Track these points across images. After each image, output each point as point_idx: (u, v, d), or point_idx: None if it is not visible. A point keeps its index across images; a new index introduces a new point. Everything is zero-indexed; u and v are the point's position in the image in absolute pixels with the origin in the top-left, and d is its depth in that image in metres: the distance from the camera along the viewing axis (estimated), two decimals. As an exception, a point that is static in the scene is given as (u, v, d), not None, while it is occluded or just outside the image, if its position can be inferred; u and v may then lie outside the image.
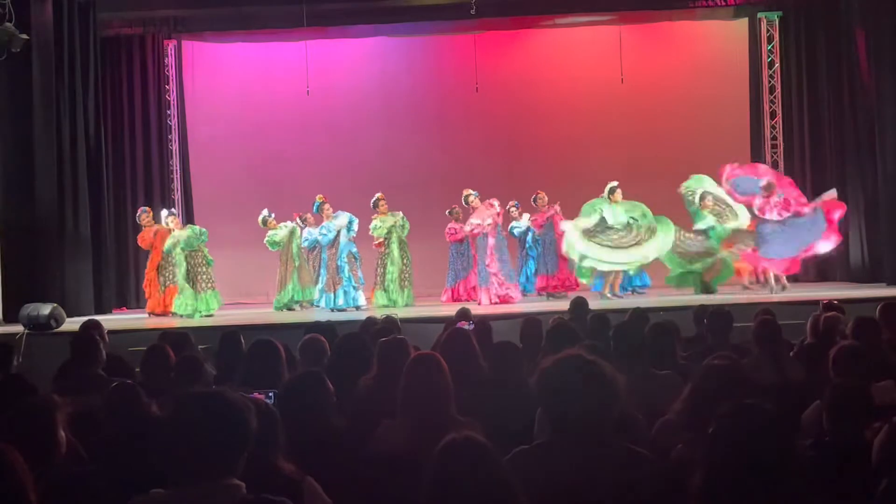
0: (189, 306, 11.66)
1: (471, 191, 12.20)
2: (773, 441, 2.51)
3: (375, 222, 12.19)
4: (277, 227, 12.29)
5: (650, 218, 11.76)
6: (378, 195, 12.28)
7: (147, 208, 13.03)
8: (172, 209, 13.42)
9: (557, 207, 12.37)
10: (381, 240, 12.21)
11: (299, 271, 12.32)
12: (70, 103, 12.46)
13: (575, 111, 14.72)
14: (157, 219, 12.71)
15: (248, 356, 4.82)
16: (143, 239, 12.64)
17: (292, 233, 12.30)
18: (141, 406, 3.82)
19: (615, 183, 11.91)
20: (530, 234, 12.68)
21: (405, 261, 12.24)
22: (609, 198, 11.85)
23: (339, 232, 11.79)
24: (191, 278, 11.78)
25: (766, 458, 2.47)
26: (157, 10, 14.25)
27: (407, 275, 12.25)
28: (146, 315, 12.39)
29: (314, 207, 12.09)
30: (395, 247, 12.19)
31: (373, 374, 4.44)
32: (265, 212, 12.41)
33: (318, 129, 14.66)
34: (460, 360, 4.46)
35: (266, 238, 12.28)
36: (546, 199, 12.48)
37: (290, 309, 12.31)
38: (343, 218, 11.81)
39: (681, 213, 12.50)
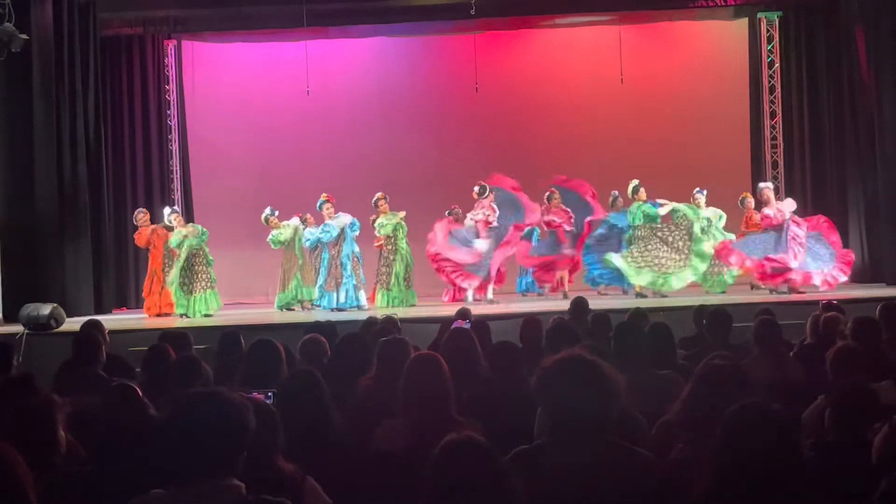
0: (181, 306, 11.65)
1: (486, 185, 12.18)
2: (781, 441, 2.51)
3: (381, 220, 12.16)
4: (280, 226, 12.28)
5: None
6: (378, 194, 12.28)
7: (144, 209, 13.01)
8: (175, 207, 13.41)
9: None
10: (383, 238, 12.19)
11: (303, 270, 12.32)
12: (70, 103, 12.46)
13: (575, 111, 14.72)
14: (157, 218, 12.69)
15: (247, 356, 4.82)
16: (140, 237, 12.60)
17: (296, 231, 12.30)
18: (139, 406, 3.82)
19: (637, 182, 11.91)
20: (535, 231, 12.65)
21: (410, 259, 12.25)
22: (633, 198, 11.86)
23: (342, 230, 11.77)
24: (190, 278, 11.77)
25: (774, 458, 2.47)
26: (157, 10, 14.24)
27: (411, 274, 12.26)
28: (145, 315, 12.38)
29: (318, 205, 12.05)
30: (403, 244, 12.20)
31: (372, 374, 4.44)
32: (268, 210, 12.40)
33: (318, 129, 14.65)
34: (461, 360, 4.47)
35: (270, 237, 12.27)
36: (558, 197, 12.45)
37: (290, 309, 12.30)
38: (346, 217, 11.80)
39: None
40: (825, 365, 4.36)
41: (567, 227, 12.31)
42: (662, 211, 11.66)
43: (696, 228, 11.59)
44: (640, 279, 11.54)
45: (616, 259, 11.59)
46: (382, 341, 4.59)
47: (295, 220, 12.38)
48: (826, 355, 4.36)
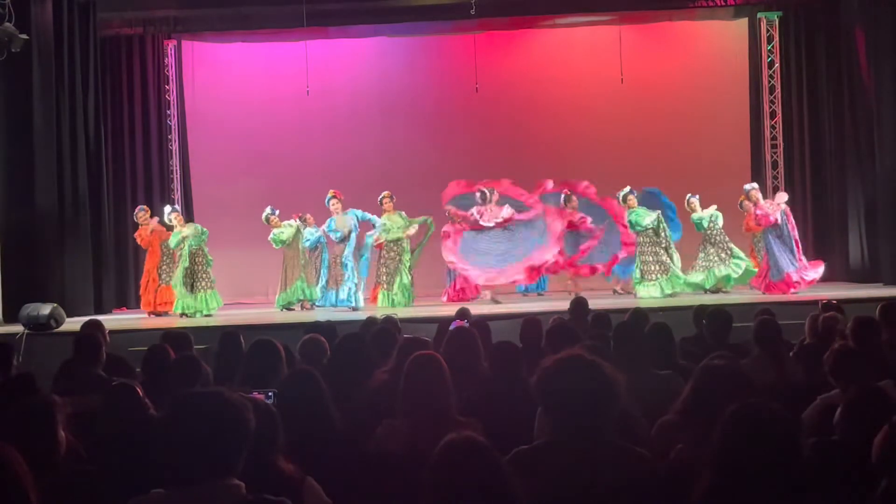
0: (189, 307, 11.65)
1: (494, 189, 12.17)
2: (781, 441, 2.51)
3: (386, 223, 12.13)
4: (282, 226, 12.28)
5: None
6: (385, 193, 12.28)
7: (145, 206, 12.98)
8: (175, 206, 13.40)
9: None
10: (382, 241, 12.18)
11: (306, 270, 12.31)
12: (70, 103, 12.46)
13: (575, 111, 14.72)
14: (158, 216, 12.65)
15: (247, 356, 4.82)
16: (141, 237, 12.59)
17: (298, 231, 12.29)
18: (139, 406, 3.82)
19: (626, 189, 11.95)
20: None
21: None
22: (623, 205, 11.90)
23: (349, 231, 11.76)
24: (192, 278, 11.77)
25: (774, 458, 2.47)
26: (157, 10, 14.25)
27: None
28: (145, 315, 12.38)
29: (326, 200, 12.02)
30: (406, 245, 12.20)
31: (389, 367, 4.47)
32: (269, 209, 12.42)
33: (318, 128, 14.65)
34: (463, 360, 4.48)
35: (271, 236, 12.29)
36: (576, 201, 12.46)
37: (290, 309, 12.29)
38: (351, 219, 11.77)
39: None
40: (824, 365, 4.36)
41: (582, 229, 12.33)
42: (647, 221, 11.70)
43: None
44: (651, 290, 11.60)
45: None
46: (407, 338, 4.76)
47: (293, 220, 12.38)
48: (824, 356, 4.35)
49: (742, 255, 12.14)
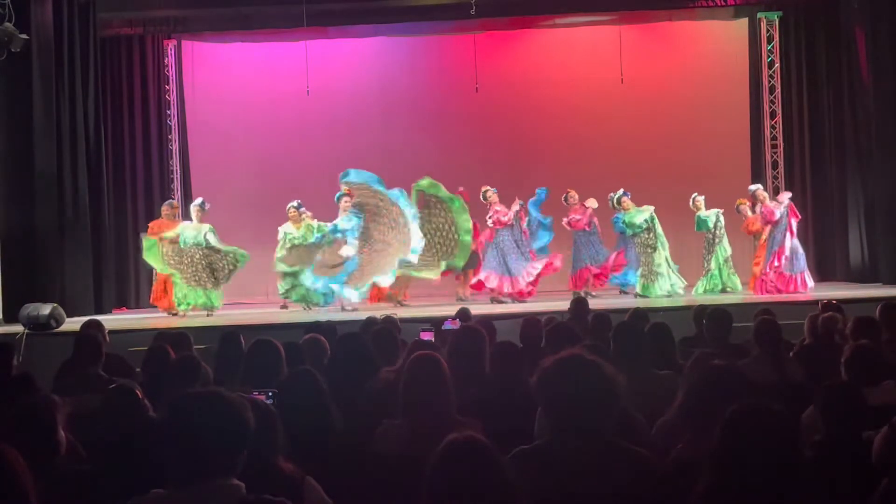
0: (194, 300, 11.60)
1: (489, 187, 12.16)
2: (781, 441, 2.51)
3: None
4: (301, 225, 12.22)
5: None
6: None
7: (173, 201, 12.82)
8: (201, 201, 13.01)
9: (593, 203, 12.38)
10: None
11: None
12: (70, 103, 12.46)
13: (575, 111, 14.72)
14: (185, 213, 12.44)
15: (247, 356, 4.82)
16: (153, 230, 12.46)
17: (308, 229, 12.26)
18: (139, 406, 3.82)
19: (620, 191, 11.97)
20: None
21: None
22: (616, 207, 11.90)
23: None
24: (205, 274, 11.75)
25: (774, 458, 2.48)
26: (157, 10, 14.24)
27: None
28: (145, 315, 12.33)
29: (336, 197, 11.96)
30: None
31: (396, 367, 4.47)
32: (296, 202, 12.32)
33: (318, 128, 14.66)
34: (467, 360, 4.48)
35: (283, 227, 12.31)
36: (577, 196, 12.45)
37: (288, 298, 12.25)
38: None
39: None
40: (825, 365, 4.36)
41: (587, 228, 12.33)
42: (640, 219, 11.71)
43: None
44: (653, 290, 11.60)
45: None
46: (416, 341, 4.86)
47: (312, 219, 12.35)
48: (839, 355, 4.35)
49: (712, 267, 12.07)
